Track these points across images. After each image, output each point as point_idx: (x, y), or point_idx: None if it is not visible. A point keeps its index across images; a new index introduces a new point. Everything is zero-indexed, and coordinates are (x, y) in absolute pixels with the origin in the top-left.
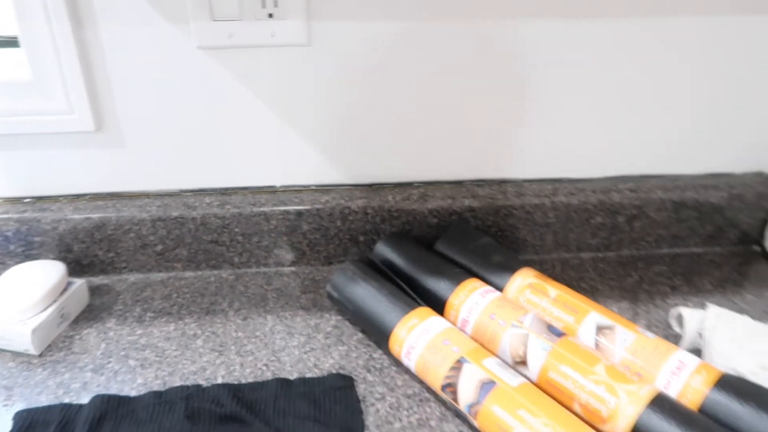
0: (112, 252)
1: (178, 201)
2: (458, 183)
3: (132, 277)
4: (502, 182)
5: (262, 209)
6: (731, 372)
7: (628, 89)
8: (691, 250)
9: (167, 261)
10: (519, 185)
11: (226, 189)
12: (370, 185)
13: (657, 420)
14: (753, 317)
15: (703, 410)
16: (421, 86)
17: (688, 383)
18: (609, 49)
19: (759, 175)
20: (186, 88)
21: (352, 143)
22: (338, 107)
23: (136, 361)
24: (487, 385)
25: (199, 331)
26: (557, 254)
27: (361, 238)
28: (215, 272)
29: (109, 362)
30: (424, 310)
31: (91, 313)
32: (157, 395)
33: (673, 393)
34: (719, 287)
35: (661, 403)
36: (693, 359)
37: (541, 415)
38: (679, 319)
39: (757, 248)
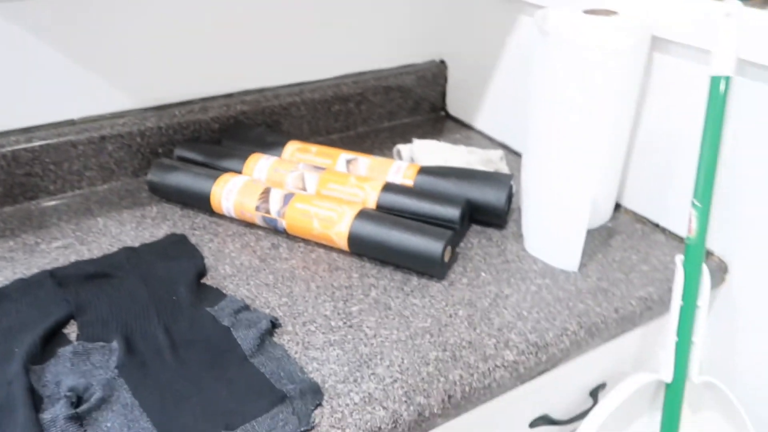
0: None
1: None
2: (229, 95)
3: None
4: (263, 90)
5: (68, 138)
6: None
7: (337, 7)
8: (402, 121)
9: None
10: (275, 90)
11: (28, 128)
12: (158, 107)
13: (390, 196)
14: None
15: (414, 186)
16: (187, 15)
17: (404, 174)
18: None
19: (432, 62)
20: None
21: (137, 72)
22: (119, 41)
23: None
24: (289, 196)
25: (39, 240)
26: (314, 139)
27: (160, 150)
28: (34, 202)
29: None
30: (231, 174)
31: None
32: (22, 281)
33: (397, 181)
34: (423, 139)
35: (390, 187)
36: (405, 163)
37: (328, 200)
38: (398, 153)
39: (442, 113)
